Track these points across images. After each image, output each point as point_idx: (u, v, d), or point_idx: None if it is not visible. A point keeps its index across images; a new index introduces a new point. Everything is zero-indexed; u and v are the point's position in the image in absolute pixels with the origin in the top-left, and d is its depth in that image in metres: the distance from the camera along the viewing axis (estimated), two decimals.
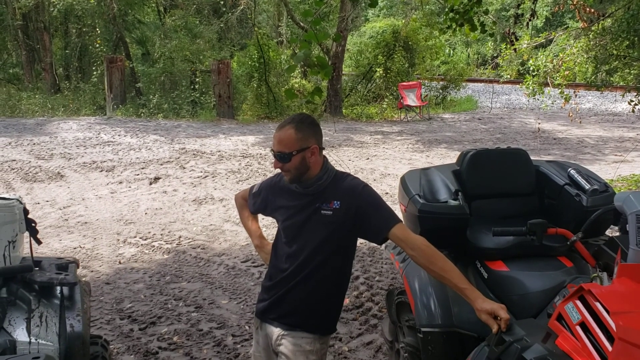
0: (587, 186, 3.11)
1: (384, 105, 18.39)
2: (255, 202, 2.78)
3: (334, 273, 2.54)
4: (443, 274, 2.35)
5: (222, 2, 20.83)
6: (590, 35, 8.06)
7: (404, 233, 2.43)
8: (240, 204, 2.92)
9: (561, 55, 8.82)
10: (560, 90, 8.45)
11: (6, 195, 2.85)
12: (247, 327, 4.57)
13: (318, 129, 2.51)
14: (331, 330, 2.63)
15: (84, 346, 2.59)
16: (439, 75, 21.12)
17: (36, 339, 2.48)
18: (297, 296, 2.51)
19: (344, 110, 17.72)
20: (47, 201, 8.31)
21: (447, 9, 5.78)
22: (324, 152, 2.56)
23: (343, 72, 19.43)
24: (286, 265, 2.54)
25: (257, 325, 2.68)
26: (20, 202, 2.85)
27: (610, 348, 1.71)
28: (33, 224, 2.89)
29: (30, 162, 10.80)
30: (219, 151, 11.82)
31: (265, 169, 10.23)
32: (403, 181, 3.47)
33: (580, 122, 10.72)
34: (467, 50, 32.63)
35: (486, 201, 3.37)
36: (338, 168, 8.58)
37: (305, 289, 2.50)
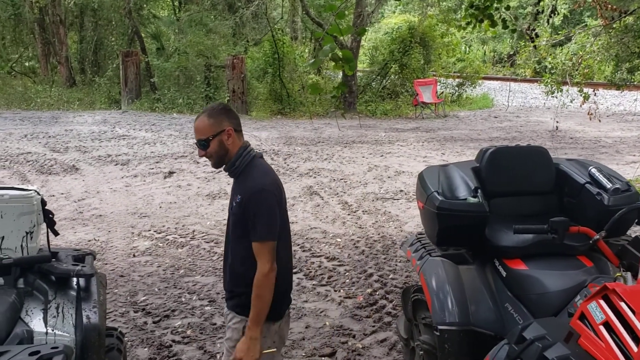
0: (608, 185, 3.07)
1: (399, 102, 18.31)
2: None
3: (241, 260, 2.62)
4: (252, 300, 2.53)
5: None
6: (612, 33, 7.93)
7: (256, 252, 2.54)
8: None
9: (581, 53, 8.70)
10: (579, 88, 8.34)
11: (24, 187, 2.86)
12: None
13: (231, 112, 2.66)
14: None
15: (99, 338, 2.59)
16: (454, 72, 20.99)
17: (53, 330, 2.48)
18: (225, 279, 2.78)
19: (358, 107, 17.67)
20: (62, 194, 8.36)
21: (466, 5, 5.73)
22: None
23: (358, 69, 19.35)
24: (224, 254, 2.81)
25: None
26: (38, 194, 2.85)
27: (635, 349, 1.68)
28: (51, 216, 2.90)
29: (45, 154, 10.87)
30: None
31: (278, 164, 10.23)
32: (421, 178, 3.43)
33: (599, 121, 10.60)
34: (483, 48, 32.40)
35: (505, 199, 3.33)
36: (351, 165, 8.48)
37: (227, 274, 2.74)
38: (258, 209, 2.53)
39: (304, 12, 19.75)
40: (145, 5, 22.12)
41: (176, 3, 22.88)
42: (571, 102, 9.71)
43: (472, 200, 3.05)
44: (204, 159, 2.68)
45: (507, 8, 5.39)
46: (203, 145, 2.58)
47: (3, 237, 2.70)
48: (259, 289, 2.52)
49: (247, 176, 2.61)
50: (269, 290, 2.53)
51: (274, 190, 2.60)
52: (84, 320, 2.58)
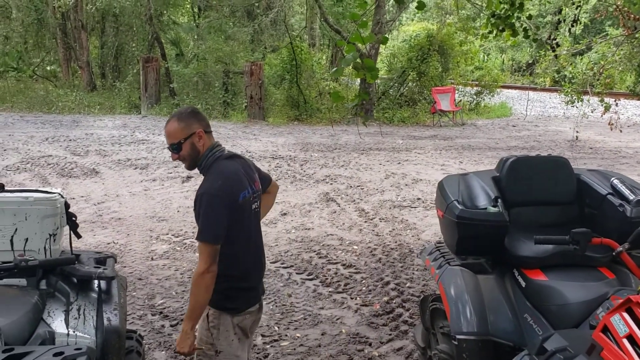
0: (631, 196, 3.04)
1: (417, 110, 18.27)
2: None
3: None
4: (190, 297, 2.64)
5: (256, 5, 20.99)
6: (634, 43, 7.86)
7: (199, 251, 2.65)
8: None
9: (602, 62, 8.62)
10: (600, 98, 8.26)
11: (49, 189, 2.91)
12: (276, 328, 4.57)
13: (199, 114, 2.74)
14: (219, 305, 2.74)
15: (120, 340, 2.61)
16: (472, 80, 20.90)
17: (74, 331, 2.51)
18: None
19: (375, 114, 17.67)
20: (82, 197, 8.45)
21: (487, 15, 5.71)
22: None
23: None
24: None
25: None
26: (62, 197, 2.90)
27: None
28: (73, 218, 2.94)
29: (66, 157, 11.01)
30: (249, 152, 11.89)
31: (295, 170, 10.26)
32: (441, 186, 3.43)
33: (620, 131, 10.49)
34: (501, 56, 32.25)
35: (525, 209, 3.32)
36: (368, 172, 8.47)
37: None
38: (201, 211, 2.61)
39: (322, 20, 19.83)
40: (165, 12, 22.36)
41: (196, 10, 23.09)
42: (592, 112, 9.62)
43: (492, 209, 3.04)
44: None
45: (529, 17, 5.35)
46: (175, 148, 2.66)
47: (27, 239, 2.75)
48: (193, 286, 2.62)
49: (204, 178, 2.71)
50: (202, 289, 2.59)
51: (222, 195, 2.61)
52: (105, 322, 2.61)
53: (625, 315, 1.89)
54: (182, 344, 2.63)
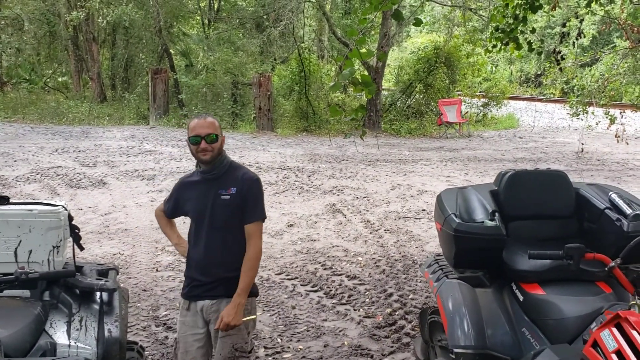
0: (628, 211, 3.05)
1: (424, 121, 18.30)
2: (169, 207, 3.26)
3: (234, 246, 2.97)
4: (242, 274, 2.92)
5: (265, 17, 21.15)
6: (638, 56, 7.88)
7: (252, 232, 2.96)
8: (158, 214, 3.41)
9: (607, 75, 8.63)
10: (605, 111, 8.26)
11: (52, 202, 2.97)
12: (279, 340, 4.60)
13: None
14: (253, 291, 3.07)
15: (120, 351, 2.66)
16: (480, 92, 20.92)
17: (75, 342, 2.56)
18: (207, 269, 2.99)
19: (383, 125, 17.72)
20: (90, 207, 8.53)
21: (492, 28, 5.77)
22: None
23: (383, 87, 19.43)
24: (203, 249, 3.00)
25: (186, 306, 3.10)
26: (66, 209, 2.96)
27: None
28: (77, 230, 3.00)
29: (75, 168, 11.12)
30: (257, 163, 11.96)
31: (302, 181, 10.30)
32: (439, 200, 3.46)
33: (627, 143, 10.42)
34: (509, 68, 32.23)
35: (524, 223, 3.33)
36: (375, 183, 8.52)
37: (215, 263, 2.97)
38: (259, 193, 2.99)
39: (330, 32, 19.94)
40: (175, 24, 22.56)
41: (205, 21, 23.29)
42: (597, 124, 9.61)
43: (489, 223, 3.06)
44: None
45: (533, 31, 5.39)
46: (215, 139, 2.90)
47: (31, 251, 2.80)
48: (255, 261, 2.95)
49: (235, 171, 2.99)
50: (259, 263, 3.01)
51: None
52: (106, 333, 2.66)
53: (615, 330, 1.91)
54: (238, 316, 2.86)
